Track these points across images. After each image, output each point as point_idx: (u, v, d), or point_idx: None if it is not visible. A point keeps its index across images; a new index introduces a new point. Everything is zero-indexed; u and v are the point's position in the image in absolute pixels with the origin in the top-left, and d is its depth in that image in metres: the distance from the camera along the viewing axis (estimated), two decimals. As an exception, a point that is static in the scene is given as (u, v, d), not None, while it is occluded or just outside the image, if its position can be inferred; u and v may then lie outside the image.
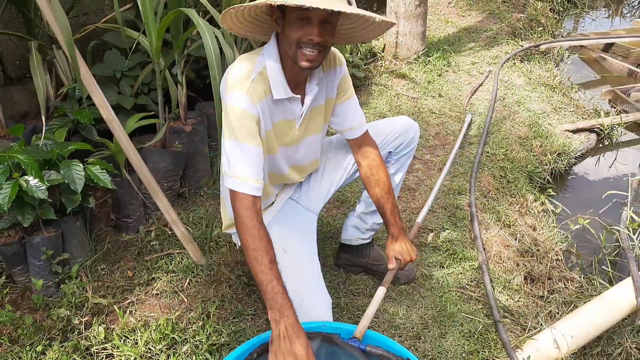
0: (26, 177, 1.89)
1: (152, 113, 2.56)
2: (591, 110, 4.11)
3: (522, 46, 4.94)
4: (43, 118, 2.26)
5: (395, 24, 1.49)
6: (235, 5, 1.50)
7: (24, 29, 2.52)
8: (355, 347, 1.49)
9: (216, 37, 2.08)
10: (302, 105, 1.72)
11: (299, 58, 1.54)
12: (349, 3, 1.59)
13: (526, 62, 4.74)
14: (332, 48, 1.74)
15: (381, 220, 2.14)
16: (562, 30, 5.94)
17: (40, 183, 1.88)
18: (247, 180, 1.54)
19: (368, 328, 1.55)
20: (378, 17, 1.52)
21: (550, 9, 6.11)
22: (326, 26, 1.51)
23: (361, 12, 1.52)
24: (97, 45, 2.74)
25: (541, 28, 5.49)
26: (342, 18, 1.62)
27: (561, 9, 6.37)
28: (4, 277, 2.07)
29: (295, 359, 1.35)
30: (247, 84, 1.56)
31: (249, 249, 1.49)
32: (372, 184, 1.90)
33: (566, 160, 3.51)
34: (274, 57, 1.61)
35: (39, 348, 1.81)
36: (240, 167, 1.55)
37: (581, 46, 5.42)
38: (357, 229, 2.21)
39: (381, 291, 1.68)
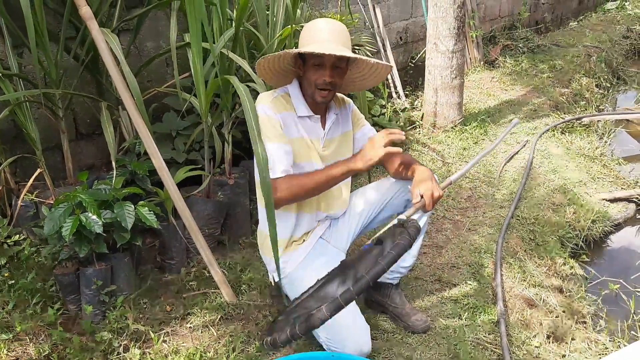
0: (86, 213, 2.18)
1: (200, 167, 2.86)
2: (631, 181, 4.13)
3: (564, 118, 5.05)
4: (113, 164, 2.54)
5: (392, 66, 1.90)
6: (266, 55, 2.02)
7: (95, 91, 2.92)
8: None
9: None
10: (324, 129, 2.15)
11: (316, 95, 2.03)
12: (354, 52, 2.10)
13: (567, 134, 4.82)
14: (338, 94, 2.25)
15: (407, 264, 2.33)
16: (607, 104, 5.99)
17: (97, 219, 2.17)
18: (278, 168, 1.97)
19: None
20: (377, 60, 2.06)
21: (596, 85, 6.21)
22: (336, 70, 2.00)
23: (362, 57, 2.03)
24: (156, 107, 3.11)
25: (584, 102, 5.58)
26: (352, 68, 2.09)
27: (608, 85, 6.45)
28: (59, 304, 2.33)
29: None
30: (270, 98, 2.06)
31: (298, 186, 1.94)
32: (397, 170, 2.21)
33: (601, 227, 3.53)
34: (296, 89, 2.10)
35: (82, 365, 2.03)
36: (272, 160, 1.97)
37: (627, 120, 5.46)
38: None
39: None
